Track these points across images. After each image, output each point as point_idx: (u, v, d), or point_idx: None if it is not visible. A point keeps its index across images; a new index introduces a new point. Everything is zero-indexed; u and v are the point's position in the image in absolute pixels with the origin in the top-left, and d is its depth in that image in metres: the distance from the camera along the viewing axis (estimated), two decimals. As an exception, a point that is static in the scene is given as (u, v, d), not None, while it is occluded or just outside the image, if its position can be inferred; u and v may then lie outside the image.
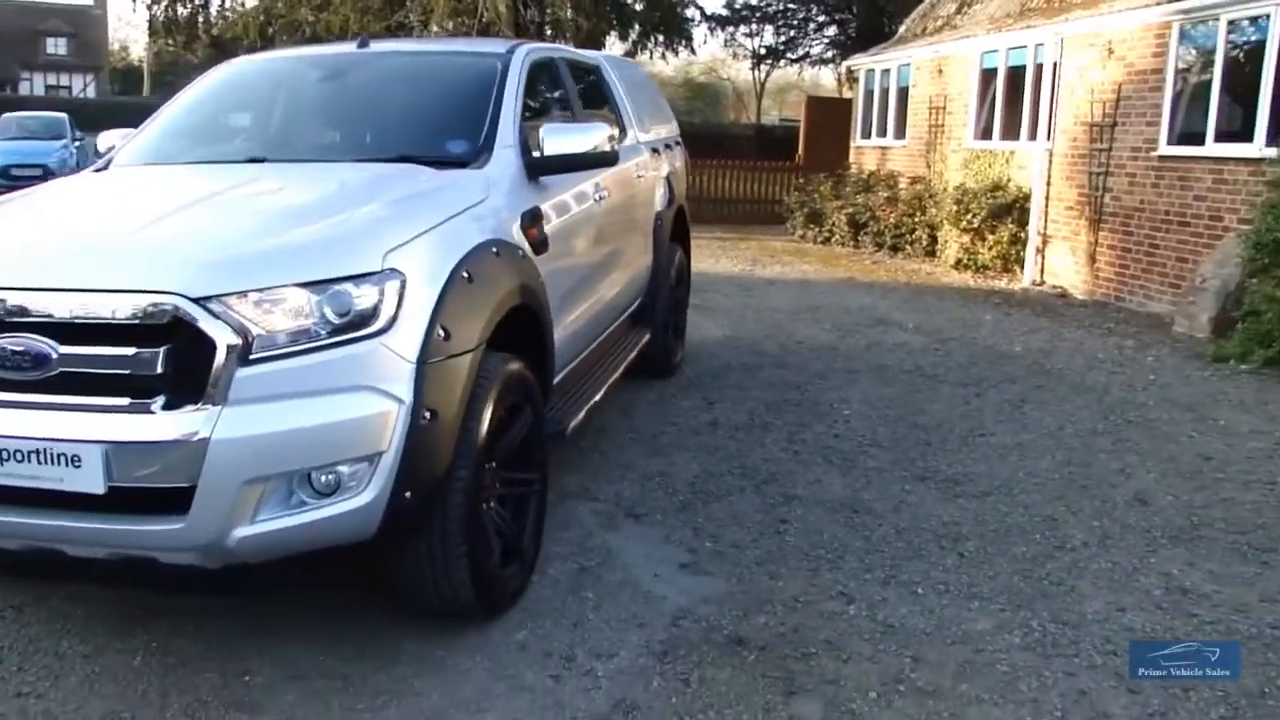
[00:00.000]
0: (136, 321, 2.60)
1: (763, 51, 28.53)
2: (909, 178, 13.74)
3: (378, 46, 4.70)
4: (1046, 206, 10.76)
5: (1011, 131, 11.67)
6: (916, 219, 12.65)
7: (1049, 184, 10.72)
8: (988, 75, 12.27)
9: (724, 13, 25.77)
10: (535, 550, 3.53)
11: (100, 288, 2.64)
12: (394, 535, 2.80)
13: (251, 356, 2.58)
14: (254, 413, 2.58)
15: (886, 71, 15.11)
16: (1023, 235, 11.02)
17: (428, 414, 2.76)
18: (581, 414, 4.24)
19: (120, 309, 2.61)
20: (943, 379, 6.54)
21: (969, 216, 11.34)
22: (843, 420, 5.57)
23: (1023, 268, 11.02)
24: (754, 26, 26.15)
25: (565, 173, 3.96)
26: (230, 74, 4.65)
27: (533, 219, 3.69)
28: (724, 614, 3.38)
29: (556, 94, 4.76)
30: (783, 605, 3.45)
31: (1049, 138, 10.68)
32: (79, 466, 2.58)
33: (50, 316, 2.64)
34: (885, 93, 15.13)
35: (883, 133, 15.15)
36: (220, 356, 2.56)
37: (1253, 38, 8.22)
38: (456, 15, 16.34)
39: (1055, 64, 10.57)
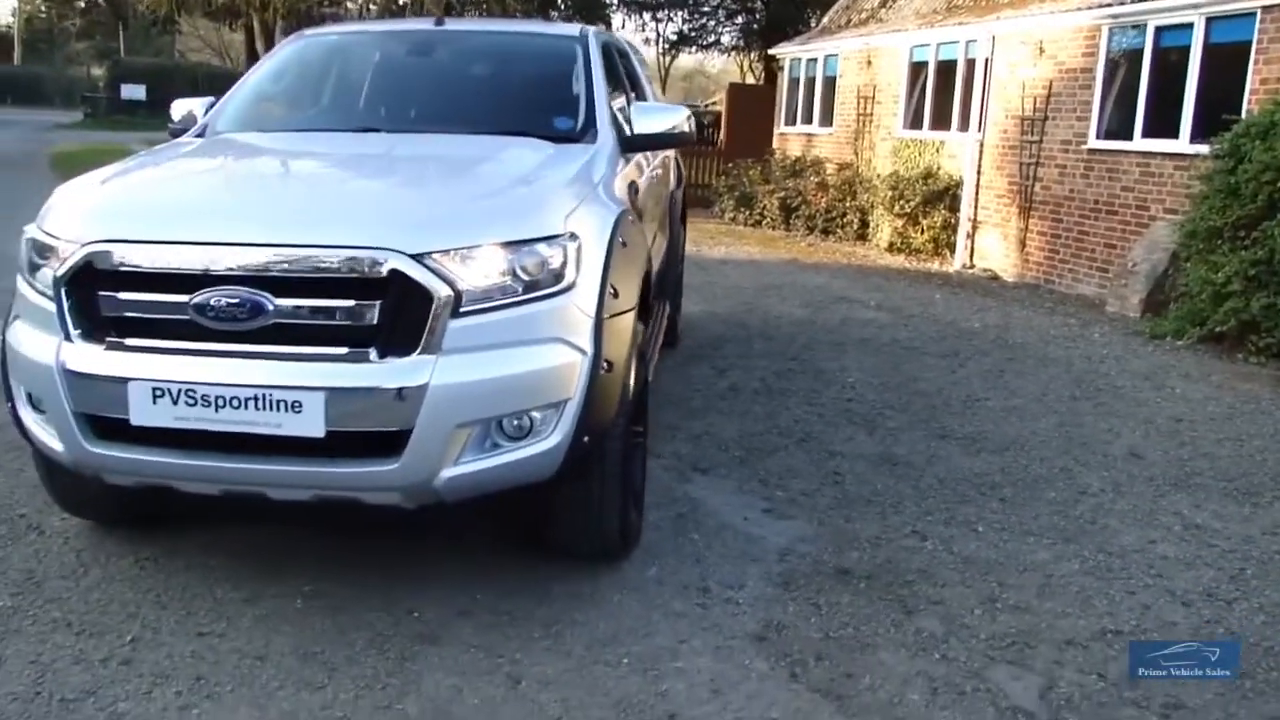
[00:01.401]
0: (355, 275, 2.79)
1: (674, 38, 29.05)
2: (836, 164, 14.34)
3: (453, 25, 4.88)
4: (977, 194, 11.47)
5: (941, 122, 12.36)
6: (847, 204, 13.25)
7: (980, 173, 11.43)
8: (917, 68, 12.93)
9: (637, -2, 26.20)
10: (643, 497, 3.83)
11: (320, 243, 2.81)
12: (569, 477, 3.07)
13: (461, 309, 2.81)
14: (463, 362, 2.81)
15: (813, 61, 15.70)
16: (954, 221, 11.73)
17: (606, 364, 3.03)
18: (649, 373, 4.55)
19: (340, 264, 2.79)
20: (923, 351, 7.06)
21: (903, 202, 11.98)
22: (849, 386, 6.02)
23: (953, 251, 11.73)
24: (667, 13, 26.57)
25: (648, 150, 4.25)
26: (306, 47, 4.78)
27: (635, 192, 3.98)
28: (821, 550, 3.76)
29: (613, 74, 5.03)
30: (868, 543, 3.85)
31: (980, 129, 11.38)
32: (299, 412, 2.76)
33: (267, 271, 2.80)
34: (811, 81, 15.71)
35: (809, 120, 15.74)
36: (436, 309, 2.78)
37: (1179, 42, 8.99)
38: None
39: (987, 60, 11.27)
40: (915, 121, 12.92)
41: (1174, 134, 8.96)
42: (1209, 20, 8.62)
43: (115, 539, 3.63)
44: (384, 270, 2.78)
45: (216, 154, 3.87)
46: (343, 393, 2.77)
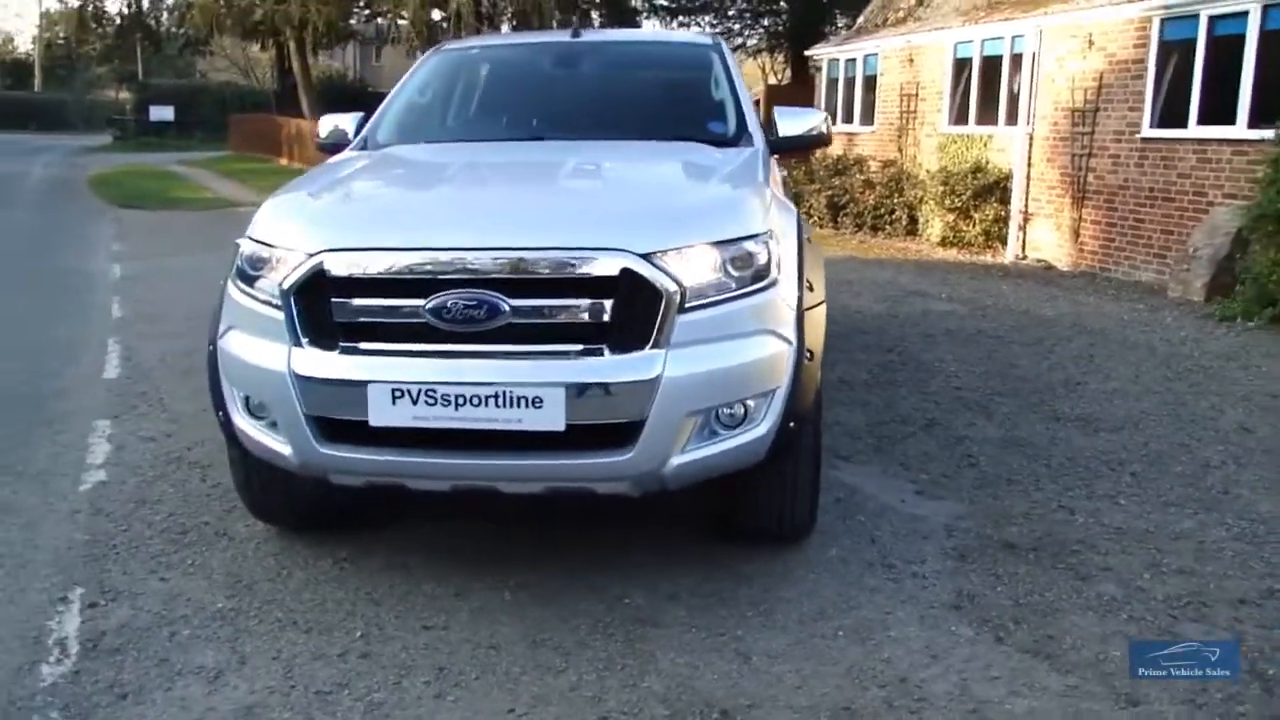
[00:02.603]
0: (588, 275, 3.00)
1: (700, 41, 29.24)
2: (880, 161, 14.55)
3: (590, 36, 5.12)
4: (1028, 186, 11.68)
5: (988, 117, 12.56)
6: (895, 200, 13.46)
7: (1030, 165, 11.63)
8: (961, 64, 13.14)
9: (666, 3, 26.44)
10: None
11: (555, 245, 3.02)
12: (774, 462, 3.29)
13: (686, 305, 3.03)
14: (689, 354, 3.02)
15: (852, 61, 15.91)
16: (1005, 213, 11.93)
17: (809, 354, 3.26)
18: None
19: (575, 264, 3.00)
20: (1008, 339, 7.27)
21: (954, 197, 12.19)
22: (952, 375, 6.23)
23: (1005, 244, 11.93)
24: (694, 17, 26.85)
25: (792, 151, 4.48)
26: (447, 61, 5.01)
27: (787, 192, 4.21)
28: (982, 526, 3.98)
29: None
30: (1021, 518, 4.07)
31: (1029, 122, 11.58)
32: (539, 407, 2.95)
33: (502, 273, 2.98)
34: (851, 81, 15.92)
35: (849, 119, 15.95)
36: (666, 305, 2.99)
37: (1234, 30, 9.18)
38: (426, 5, 16.51)
39: (1034, 54, 11.47)
40: (960, 117, 13.13)
41: (1230, 120, 9.15)
42: (1265, 8, 8.81)
43: (305, 542, 3.82)
44: (616, 270, 2.98)
45: (400, 166, 4.09)
46: (581, 387, 2.96)
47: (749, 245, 3.17)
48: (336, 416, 3.10)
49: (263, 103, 37.19)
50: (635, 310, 3.00)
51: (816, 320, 3.36)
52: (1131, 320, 8.07)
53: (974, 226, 12.21)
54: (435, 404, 2.96)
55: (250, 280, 3.29)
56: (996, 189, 12.03)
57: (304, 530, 3.89)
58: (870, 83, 15.33)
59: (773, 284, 3.20)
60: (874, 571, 3.60)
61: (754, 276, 3.16)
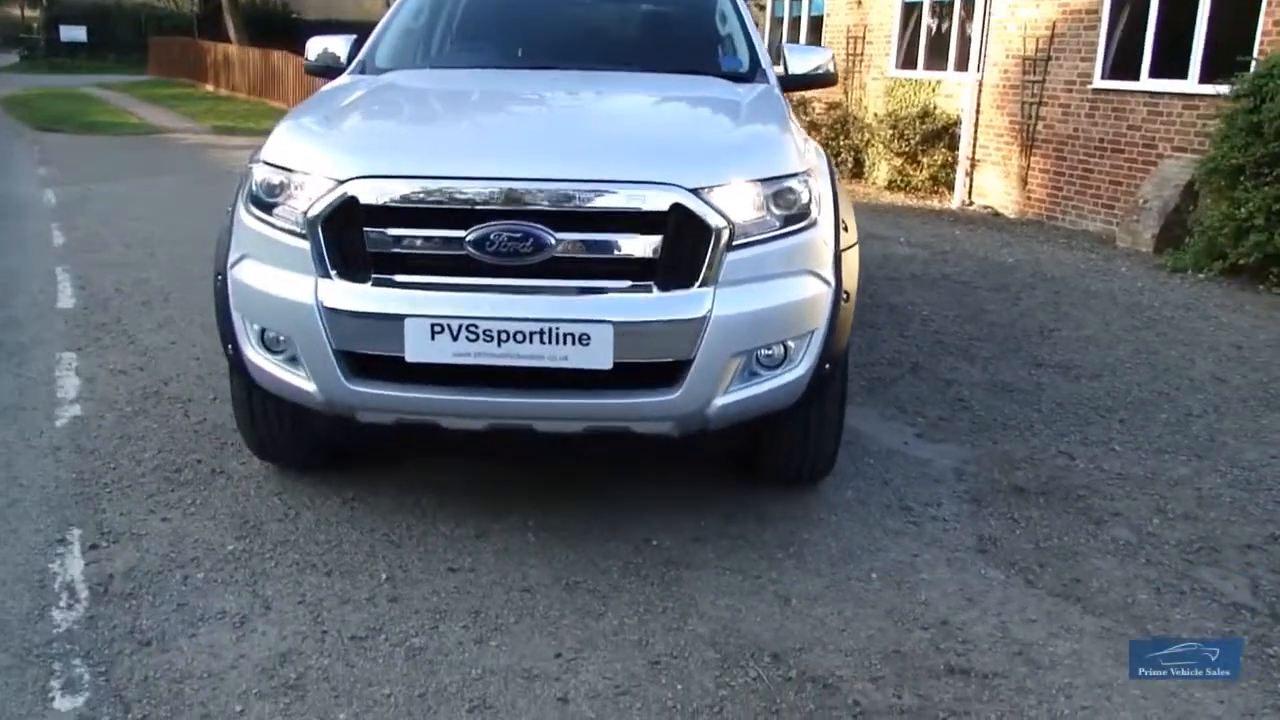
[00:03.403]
0: (637, 210, 2.89)
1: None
2: (825, 103, 14.50)
3: None
4: (976, 133, 11.76)
5: (937, 62, 12.59)
6: (841, 142, 13.45)
7: (979, 112, 11.71)
8: (910, 8, 13.11)
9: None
10: None
11: (606, 178, 2.90)
12: (807, 403, 3.25)
13: (734, 243, 2.95)
14: (737, 293, 2.95)
15: (797, 1, 15.76)
16: (953, 159, 12.02)
17: (846, 295, 3.21)
18: None
19: (625, 198, 2.89)
20: (974, 285, 7.35)
21: (902, 141, 12.23)
22: (927, 319, 6.28)
23: (951, 189, 12.03)
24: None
25: (801, 89, 4.39)
26: None
27: (797, 130, 4.13)
28: (989, 470, 4.03)
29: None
30: (1025, 462, 4.12)
31: (979, 69, 11.63)
32: (587, 345, 2.85)
33: (549, 205, 2.85)
34: (796, 21, 15.80)
35: (794, 60, 15.81)
36: (715, 242, 2.90)
37: (1190, -16, 9.28)
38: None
39: (986, 0, 11.48)
40: (909, 62, 13.13)
41: (1182, 75, 9.29)
42: (1222, -37, 8.92)
43: (307, 482, 3.69)
44: (666, 205, 2.87)
45: (418, 92, 3.89)
46: (630, 325, 2.86)
47: (791, 183, 3.10)
48: (368, 351, 2.95)
49: (183, 26, 35.46)
50: (684, 247, 2.92)
51: (851, 261, 3.31)
52: (1088, 270, 8.22)
53: (921, 171, 12.28)
54: (477, 339, 2.84)
55: (267, 207, 3.09)
56: (945, 134, 12.10)
57: (306, 470, 3.74)
58: (816, 23, 15.23)
59: (813, 224, 3.13)
60: (893, 514, 3.61)
61: (796, 216, 3.09)
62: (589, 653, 2.76)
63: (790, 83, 4.29)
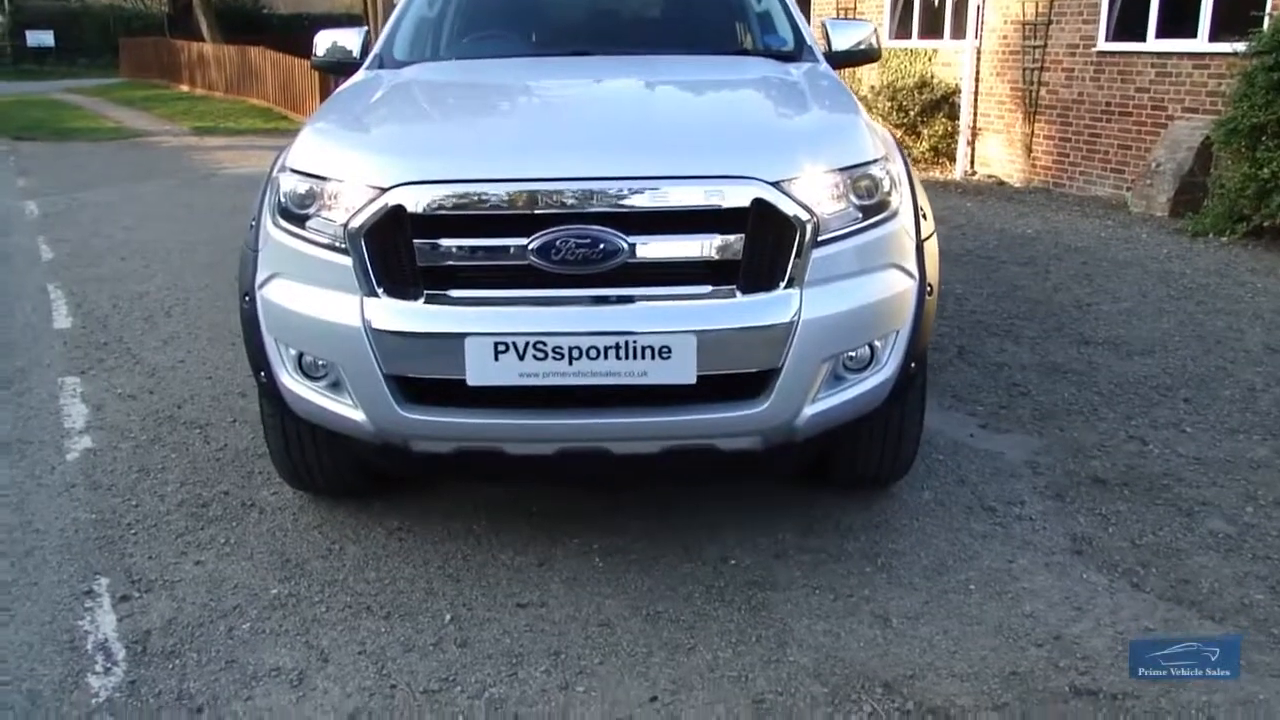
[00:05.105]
0: (717, 207, 2.62)
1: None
2: (817, 77, 14.23)
3: None
4: (976, 101, 11.53)
5: (932, 30, 12.33)
6: (836, 117, 13.18)
7: (978, 80, 11.47)
8: (903, -24, 12.83)
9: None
10: None
11: (680, 174, 2.64)
12: (892, 405, 3.01)
13: (820, 239, 2.70)
14: (824, 294, 2.70)
15: (783, -27, 15.45)
16: (953, 129, 11.79)
17: (929, 288, 2.97)
18: None
19: (702, 195, 2.63)
20: (1000, 259, 7.13)
21: (901, 112, 11.98)
22: (962, 298, 6.05)
23: (953, 159, 11.80)
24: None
25: (845, 67, 4.13)
26: None
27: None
28: (1063, 462, 3.81)
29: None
30: (1098, 450, 3.91)
31: (977, 36, 11.38)
32: (668, 358, 2.59)
33: (618, 206, 2.60)
34: (782, -6, 15.48)
35: (781, 34, 15.54)
36: (800, 239, 2.65)
37: (1197, -60, 9.05)
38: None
39: (983, -35, 11.22)
40: (903, 31, 12.87)
41: (1191, 34, 9.08)
42: (1230, -83, 8.69)
43: (345, 511, 3.43)
44: (747, 200, 2.62)
45: (451, 86, 3.60)
46: (715, 334, 2.61)
47: (872, 170, 2.85)
48: (423, 375, 2.69)
49: (153, 26, 34.66)
50: (767, 245, 2.66)
51: (932, 251, 3.06)
52: (1110, 238, 8.01)
53: (922, 142, 12.04)
54: (545, 358, 2.58)
55: (299, 220, 2.81)
56: (944, 104, 11.86)
57: (341, 498, 3.48)
58: (805, -5, 14.93)
59: (894, 214, 2.89)
60: (977, 516, 3.39)
61: (877, 205, 2.85)
62: (686, 694, 2.52)
63: (835, 60, 4.03)
